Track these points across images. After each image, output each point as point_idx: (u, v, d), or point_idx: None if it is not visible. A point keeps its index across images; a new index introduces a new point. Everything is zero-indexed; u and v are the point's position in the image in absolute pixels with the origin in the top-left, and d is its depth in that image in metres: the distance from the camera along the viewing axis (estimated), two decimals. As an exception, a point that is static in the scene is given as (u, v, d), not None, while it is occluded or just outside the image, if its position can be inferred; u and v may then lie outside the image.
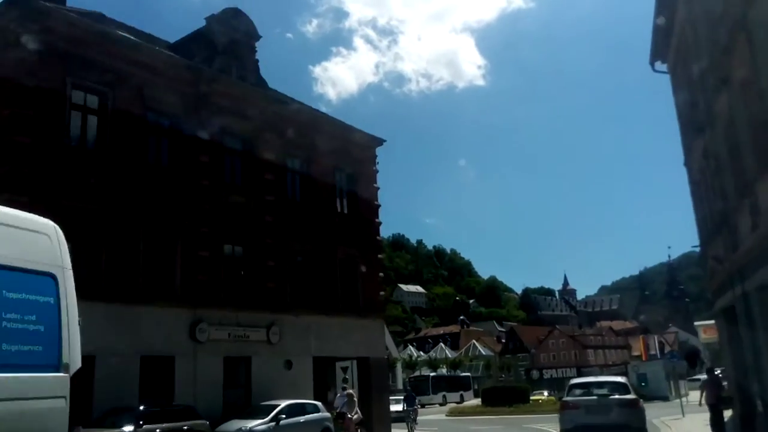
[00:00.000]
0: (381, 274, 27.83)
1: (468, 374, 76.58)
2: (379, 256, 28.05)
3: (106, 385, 17.04)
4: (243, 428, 18.21)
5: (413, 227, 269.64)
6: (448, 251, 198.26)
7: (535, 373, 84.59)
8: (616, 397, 16.45)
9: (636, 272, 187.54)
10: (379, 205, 28.13)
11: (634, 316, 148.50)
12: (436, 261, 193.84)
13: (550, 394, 50.37)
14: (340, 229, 25.62)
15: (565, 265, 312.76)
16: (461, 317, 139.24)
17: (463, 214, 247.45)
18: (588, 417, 15.93)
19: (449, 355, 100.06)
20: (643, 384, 42.53)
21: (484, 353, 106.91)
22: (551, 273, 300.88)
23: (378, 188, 28.20)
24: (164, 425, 16.10)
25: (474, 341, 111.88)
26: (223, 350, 20.61)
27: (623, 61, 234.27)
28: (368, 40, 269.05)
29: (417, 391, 56.88)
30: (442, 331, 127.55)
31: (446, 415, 42.60)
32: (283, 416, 19.11)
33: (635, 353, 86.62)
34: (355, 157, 27.18)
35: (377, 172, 28.34)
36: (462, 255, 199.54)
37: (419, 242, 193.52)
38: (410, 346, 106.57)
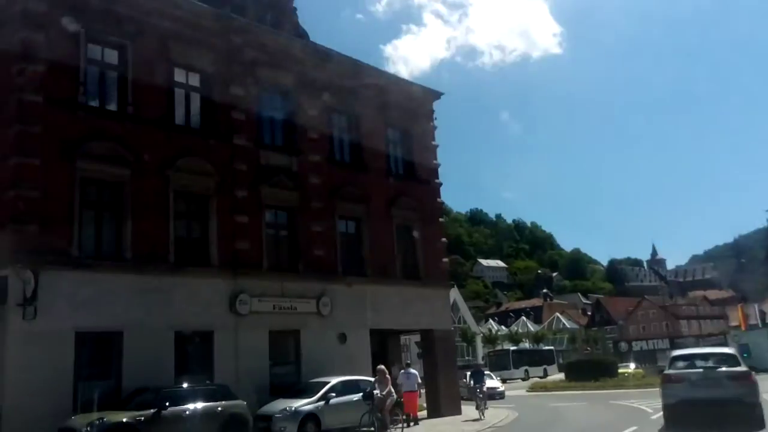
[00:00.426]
0: (444, 239, 25.44)
1: (551, 348, 73.72)
2: (440, 219, 25.65)
3: (137, 363, 15.69)
4: (288, 408, 16.62)
5: (491, 202, 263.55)
6: (529, 224, 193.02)
7: (623, 345, 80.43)
8: (725, 369, 14.27)
9: (730, 239, 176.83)
10: (439, 165, 25.56)
11: (730, 285, 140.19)
12: (516, 235, 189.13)
13: (637, 367, 47.06)
14: (395, 190, 23.36)
15: (653, 235, 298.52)
16: (544, 290, 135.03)
17: (542, 186, 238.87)
18: (694, 391, 13.98)
19: (531, 329, 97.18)
20: (745, 355, 38.42)
21: (568, 326, 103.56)
22: (638, 243, 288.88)
23: (437, 146, 25.71)
24: (194, 406, 14.59)
25: (558, 314, 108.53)
26: (268, 323, 18.85)
27: None
28: (438, 15, 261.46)
29: (497, 366, 54.91)
30: (524, 305, 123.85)
31: (527, 391, 40.39)
32: (333, 394, 17.46)
33: (733, 323, 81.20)
34: (409, 113, 24.75)
35: (435, 128, 25.84)
36: (543, 228, 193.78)
37: (498, 216, 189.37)
38: (491, 321, 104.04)
